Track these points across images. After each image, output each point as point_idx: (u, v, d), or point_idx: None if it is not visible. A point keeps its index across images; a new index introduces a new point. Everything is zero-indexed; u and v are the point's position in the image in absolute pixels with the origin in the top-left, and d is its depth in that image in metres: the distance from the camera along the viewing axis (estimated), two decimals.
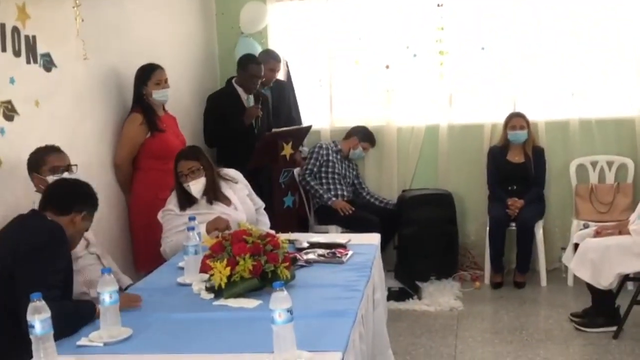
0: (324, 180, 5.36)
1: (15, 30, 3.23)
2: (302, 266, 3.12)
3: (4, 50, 3.16)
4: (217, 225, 3.49)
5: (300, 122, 5.49)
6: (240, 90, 5.00)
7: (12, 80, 3.20)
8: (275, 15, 5.63)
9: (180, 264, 3.15)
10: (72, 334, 2.38)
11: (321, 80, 5.72)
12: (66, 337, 2.35)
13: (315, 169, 5.34)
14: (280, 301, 2.05)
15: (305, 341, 2.14)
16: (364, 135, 5.51)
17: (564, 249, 4.78)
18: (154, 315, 2.58)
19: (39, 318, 2.04)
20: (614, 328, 4.05)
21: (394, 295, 4.73)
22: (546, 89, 5.39)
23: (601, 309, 4.15)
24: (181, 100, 4.86)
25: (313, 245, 3.42)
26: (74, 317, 2.45)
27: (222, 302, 2.67)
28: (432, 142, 5.55)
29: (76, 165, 3.24)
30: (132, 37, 4.33)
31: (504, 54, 5.39)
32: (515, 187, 5.18)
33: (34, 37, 3.34)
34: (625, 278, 4.19)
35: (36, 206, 2.83)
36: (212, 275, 2.70)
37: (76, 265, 2.89)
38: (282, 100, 5.44)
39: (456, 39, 5.46)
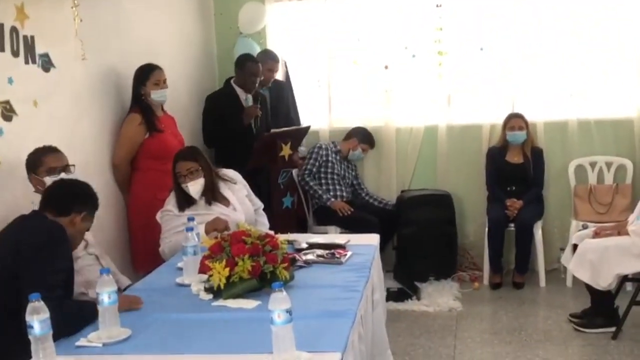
0: (323, 181, 5.36)
1: (14, 30, 3.22)
2: (301, 267, 3.12)
3: (2, 50, 3.15)
4: (216, 226, 3.49)
5: (299, 123, 5.49)
6: (239, 90, 5.00)
7: (10, 81, 3.19)
8: (273, 16, 5.63)
9: (179, 265, 3.14)
10: (73, 334, 2.38)
11: (320, 81, 5.72)
12: (68, 337, 2.35)
13: (314, 170, 5.34)
14: (279, 302, 2.05)
15: (305, 342, 2.14)
16: (363, 137, 5.51)
17: (562, 249, 4.79)
18: (152, 316, 2.58)
19: (37, 318, 2.03)
20: (613, 329, 4.05)
21: (393, 296, 4.73)
22: (545, 90, 5.39)
23: (600, 309, 4.15)
24: (180, 101, 4.86)
25: (312, 246, 3.42)
26: (76, 317, 2.45)
27: (221, 302, 2.67)
28: (431, 143, 5.55)
29: (74, 165, 3.24)
30: (130, 38, 4.33)
31: (502, 55, 5.39)
32: (514, 188, 5.18)
33: (32, 37, 3.34)
34: (624, 279, 4.20)
35: (35, 206, 2.83)
36: (211, 275, 2.70)
37: (75, 266, 2.87)
38: (280, 101, 5.44)
39: (455, 40, 5.46)
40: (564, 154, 5.34)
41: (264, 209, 4.06)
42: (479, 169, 5.39)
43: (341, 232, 4.99)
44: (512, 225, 5.09)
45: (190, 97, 5.20)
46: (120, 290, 2.92)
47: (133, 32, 4.36)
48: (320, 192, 5.27)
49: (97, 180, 3.31)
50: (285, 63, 5.58)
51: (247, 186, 3.97)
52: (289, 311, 2.05)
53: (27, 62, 3.32)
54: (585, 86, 5.33)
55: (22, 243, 2.54)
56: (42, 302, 2.06)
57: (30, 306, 2.05)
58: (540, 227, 5.12)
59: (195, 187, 3.62)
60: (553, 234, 5.37)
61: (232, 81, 5.05)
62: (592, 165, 5.27)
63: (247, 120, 4.91)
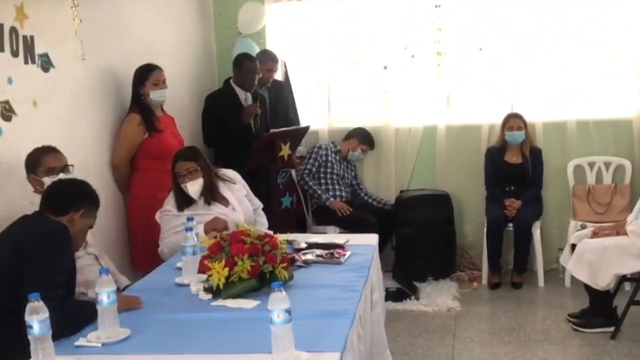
0: (322, 181, 5.36)
1: (13, 30, 3.22)
2: (300, 267, 3.12)
3: (1, 50, 3.16)
4: (215, 226, 3.50)
5: (298, 123, 5.50)
6: (238, 90, 5.00)
7: (9, 81, 3.20)
8: (273, 16, 5.64)
9: (179, 265, 3.14)
10: (74, 334, 2.38)
11: (319, 81, 5.73)
12: (68, 337, 2.35)
13: (313, 169, 5.35)
14: (278, 302, 2.05)
15: (304, 341, 2.14)
16: (363, 138, 5.52)
17: (561, 249, 4.79)
18: (152, 316, 2.58)
19: (37, 318, 2.04)
20: (612, 328, 4.06)
21: (391, 296, 4.74)
22: (544, 90, 5.39)
23: (599, 309, 4.16)
24: (179, 101, 4.86)
25: (311, 246, 3.42)
26: (77, 317, 2.45)
27: (220, 302, 2.67)
28: (430, 143, 5.55)
29: (72, 165, 3.24)
30: (130, 38, 4.33)
31: (501, 55, 5.39)
32: (512, 188, 5.18)
33: (32, 37, 3.34)
34: (622, 279, 4.21)
35: (34, 207, 2.83)
36: (210, 275, 2.70)
37: None
38: (279, 101, 5.44)
39: (454, 40, 5.46)
40: (563, 154, 5.34)
41: (263, 209, 4.06)
42: (478, 169, 5.39)
43: (340, 232, 4.99)
44: (511, 225, 5.10)
45: (190, 97, 5.20)
46: (119, 290, 2.92)
47: (132, 32, 4.36)
48: (319, 192, 5.27)
49: (96, 180, 3.30)
50: (284, 63, 5.58)
51: (247, 186, 3.97)
52: (288, 311, 2.05)
53: (26, 62, 3.32)
54: (583, 86, 5.33)
55: (24, 243, 2.54)
56: (41, 302, 2.06)
57: (29, 306, 2.05)
58: (539, 227, 5.13)
59: (194, 187, 3.62)
60: (552, 234, 5.38)
61: (231, 81, 5.06)
62: (591, 165, 5.27)
63: (247, 119, 4.91)
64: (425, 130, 5.56)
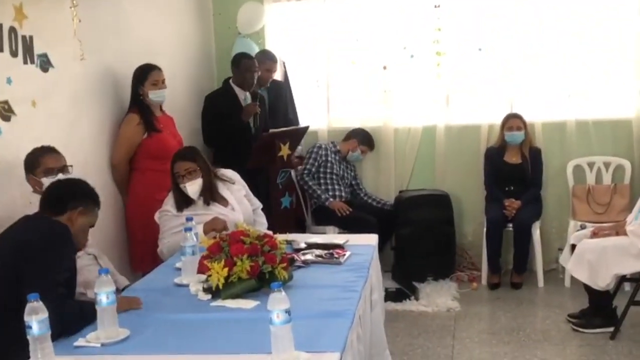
0: (322, 181, 5.36)
1: (13, 30, 3.22)
2: (299, 267, 3.12)
3: (1, 50, 3.15)
4: (214, 226, 3.49)
5: (297, 123, 5.49)
6: (237, 90, 5.00)
7: (9, 81, 3.19)
8: (272, 16, 5.63)
9: (178, 265, 3.14)
10: (74, 334, 2.38)
11: (318, 81, 5.72)
12: (68, 336, 2.36)
13: (313, 169, 5.35)
14: (278, 302, 2.05)
15: (303, 342, 2.14)
16: (363, 138, 5.52)
17: (561, 249, 4.79)
18: (151, 316, 2.58)
19: (36, 319, 2.04)
20: (611, 329, 4.06)
21: (391, 296, 4.73)
22: (543, 90, 5.39)
23: (598, 309, 4.16)
24: (178, 101, 4.86)
25: (310, 246, 3.42)
26: (77, 317, 2.45)
27: (219, 302, 2.67)
28: (429, 143, 5.55)
29: (71, 166, 3.24)
30: (129, 38, 4.32)
31: (501, 55, 5.39)
32: (512, 188, 5.18)
33: (31, 37, 3.34)
34: (622, 279, 4.21)
35: (33, 206, 2.83)
36: (209, 276, 2.70)
37: None
38: (279, 101, 5.44)
39: (453, 40, 5.46)
40: (562, 154, 5.34)
41: (262, 209, 4.06)
42: (477, 169, 5.39)
43: (340, 232, 4.99)
44: (511, 225, 5.10)
45: (189, 97, 5.20)
46: (118, 291, 2.92)
47: (132, 32, 4.36)
48: (319, 192, 5.27)
49: (95, 181, 3.29)
50: (283, 63, 5.58)
51: (246, 186, 3.97)
52: (287, 311, 2.05)
53: (25, 62, 3.32)
54: (583, 87, 5.33)
55: (25, 243, 2.54)
56: (40, 302, 2.06)
57: (28, 306, 2.05)
58: (539, 227, 5.12)
59: (193, 187, 3.62)
60: (551, 234, 5.38)
61: (230, 81, 5.06)
62: (590, 165, 5.27)
63: (247, 117, 4.91)
64: (424, 131, 5.56)
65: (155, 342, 2.35)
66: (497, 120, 5.29)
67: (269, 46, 5.58)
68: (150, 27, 4.64)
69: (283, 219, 4.88)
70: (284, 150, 4.96)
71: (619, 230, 4.09)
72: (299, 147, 5.46)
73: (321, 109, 5.74)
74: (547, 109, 5.39)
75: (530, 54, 5.35)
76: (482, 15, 5.41)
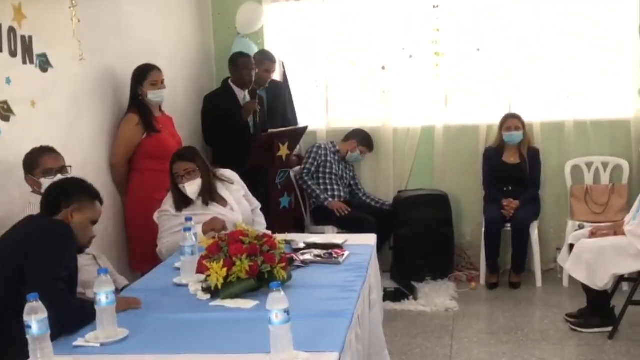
0: (321, 181, 5.37)
1: (12, 30, 3.23)
2: (298, 267, 3.13)
3: (0, 50, 3.15)
4: (213, 226, 3.49)
5: (296, 123, 5.50)
6: (236, 89, 5.01)
7: (8, 81, 3.20)
8: (271, 16, 5.64)
9: (177, 265, 3.15)
10: (73, 333, 2.38)
11: (317, 81, 5.73)
12: (67, 335, 2.36)
13: (312, 169, 5.35)
14: (277, 302, 2.06)
15: (302, 342, 2.15)
16: (363, 139, 5.52)
17: (559, 249, 4.79)
18: (150, 316, 2.58)
19: (35, 318, 2.04)
20: (609, 328, 4.07)
21: (389, 296, 4.74)
22: (541, 90, 5.40)
23: (596, 309, 4.16)
24: (177, 101, 4.86)
25: (309, 246, 3.42)
26: (77, 315, 2.45)
27: (218, 302, 2.67)
28: (428, 143, 5.56)
29: (70, 166, 3.24)
30: (128, 38, 4.33)
31: (499, 55, 5.40)
32: (510, 188, 5.19)
33: (30, 37, 3.34)
34: (620, 279, 4.22)
35: (32, 207, 2.83)
36: (208, 275, 2.71)
37: None
38: (278, 101, 5.44)
39: (452, 40, 5.46)
40: (561, 154, 5.35)
41: (261, 209, 4.06)
42: (476, 169, 5.39)
43: (338, 232, 4.99)
44: (509, 225, 5.10)
45: (188, 97, 5.20)
46: (117, 291, 2.92)
47: (131, 33, 4.36)
48: (318, 191, 5.27)
49: (94, 181, 3.30)
50: (282, 63, 5.58)
51: (245, 186, 3.97)
52: (286, 311, 2.05)
53: (24, 62, 3.33)
54: (581, 87, 5.34)
55: (27, 242, 2.54)
56: (40, 302, 2.06)
57: (28, 306, 2.05)
58: (537, 227, 5.13)
59: (192, 187, 3.62)
60: (549, 234, 5.39)
61: (229, 81, 5.07)
62: (589, 165, 5.28)
63: (246, 115, 4.92)
64: (423, 131, 5.56)
65: (154, 342, 2.35)
66: (496, 121, 5.30)
67: (267, 46, 5.59)
68: (150, 27, 4.65)
69: (282, 218, 4.89)
70: (283, 151, 4.97)
71: (617, 230, 4.10)
72: (298, 147, 5.46)
73: (320, 109, 5.74)
74: (545, 109, 5.39)
75: (529, 54, 5.36)
76: (481, 15, 5.41)
